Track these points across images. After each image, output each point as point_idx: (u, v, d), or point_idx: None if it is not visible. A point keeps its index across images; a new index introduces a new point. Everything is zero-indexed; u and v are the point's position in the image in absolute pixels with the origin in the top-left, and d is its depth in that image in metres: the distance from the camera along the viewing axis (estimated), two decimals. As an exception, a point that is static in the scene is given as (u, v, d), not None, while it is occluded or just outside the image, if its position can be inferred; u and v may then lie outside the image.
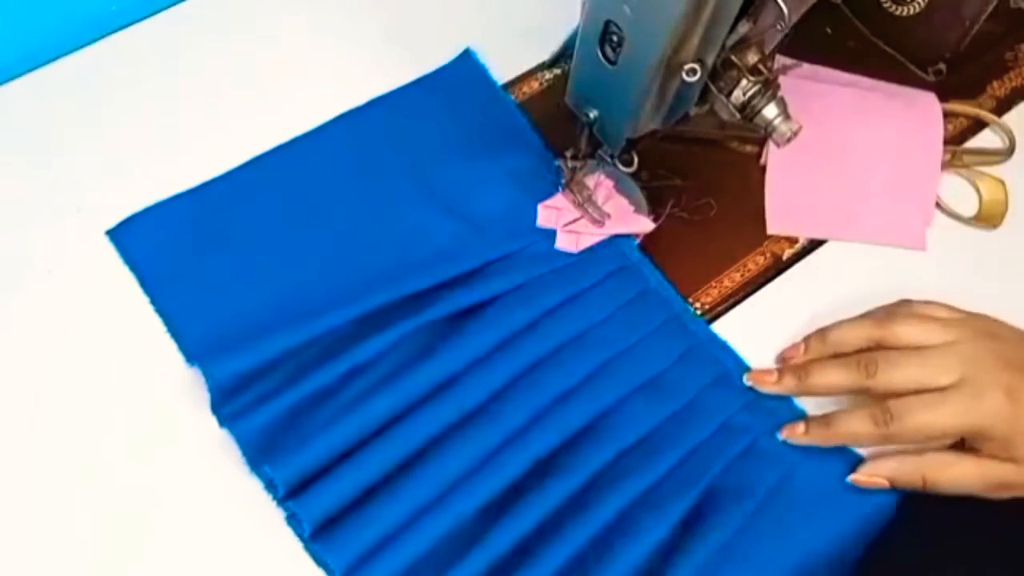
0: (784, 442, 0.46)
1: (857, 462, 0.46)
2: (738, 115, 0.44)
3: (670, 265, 0.51)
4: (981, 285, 0.52)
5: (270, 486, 0.44)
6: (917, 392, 0.43)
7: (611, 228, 0.50)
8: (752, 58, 0.43)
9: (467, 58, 0.56)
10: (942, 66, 0.58)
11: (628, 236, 0.51)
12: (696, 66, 0.41)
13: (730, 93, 0.43)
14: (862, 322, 0.47)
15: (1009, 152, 0.57)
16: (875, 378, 0.44)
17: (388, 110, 0.54)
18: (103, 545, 0.43)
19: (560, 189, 0.51)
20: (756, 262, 0.52)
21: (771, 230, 0.53)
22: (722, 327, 0.50)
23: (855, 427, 0.44)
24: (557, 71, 0.57)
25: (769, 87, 0.43)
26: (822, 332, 0.48)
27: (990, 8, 0.54)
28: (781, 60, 0.54)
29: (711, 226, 0.53)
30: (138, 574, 0.43)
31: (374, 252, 0.50)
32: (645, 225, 0.51)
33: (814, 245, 0.53)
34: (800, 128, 0.44)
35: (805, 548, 0.45)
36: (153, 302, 0.48)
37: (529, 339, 0.47)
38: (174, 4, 0.57)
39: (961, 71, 0.58)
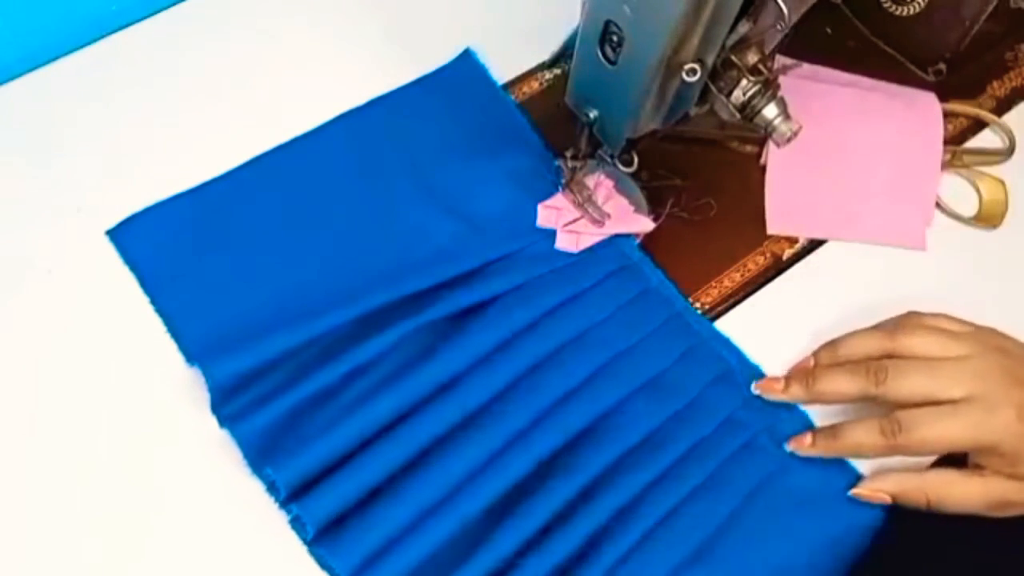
0: (784, 441, 0.46)
1: (846, 470, 0.46)
2: (738, 115, 0.44)
3: (670, 265, 0.51)
4: (981, 285, 0.52)
5: (272, 488, 0.44)
6: (926, 404, 0.43)
7: (611, 228, 0.50)
8: (752, 58, 0.43)
9: (467, 58, 0.56)
10: (942, 66, 0.58)
11: (628, 236, 0.51)
12: (696, 66, 0.41)
13: (730, 93, 0.43)
14: (872, 333, 0.47)
15: (1009, 152, 0.57)
16: (884, 386, 0.43)
17: (388, 110, 0.54)
18: (103, 546, 0.43)
19: (560, 189, 0.51)
20: (756, 262, 0.52)
21: (771, 230, 0.53)
22: (722, 327, 0.50)
23: (862, 438, 0.44)
24: (557, 71, 0.57)
25: (769, 87, 0.43)
26: (832, 344, 0.47)
27: (990, 8, 0.54)
28: (781, 60, 0.54)
29: (711, 226, 0.53)
30: (138, 574, 0.43)
31: (374, 252, 0.50)
32: (645, 225, 0.51)
33: (814, 245, 0.53)
34: (800, 128, 0.44)
35: (801, 545, 0.45)
36: (153, 302, 0.48)
37: (530, 339, 0.47)
38: (174, 4, 0.57)
39: (961, 71, 0.58)
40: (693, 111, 0.46)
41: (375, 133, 0.54)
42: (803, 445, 0.46)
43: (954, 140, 0.57)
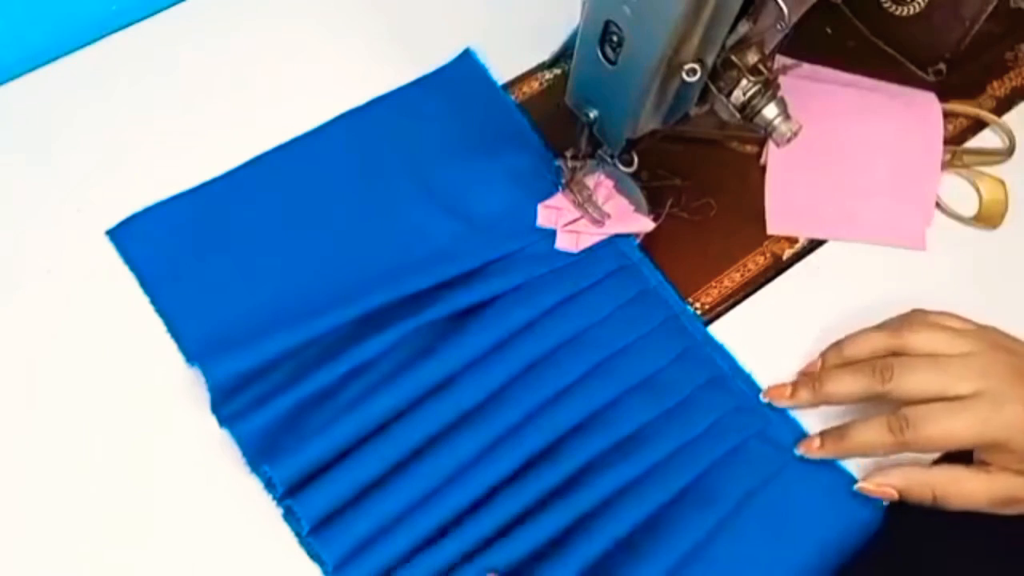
0: (775, 445, 0.46)
1: (840, 474, 0.46)
2: (738, 115, 0.44)
3: (670, 265, 0.51)
4: (981, 285, 0.52)
5: (269, 485, 0.44)
6: (933, 401, 0.43)
7: (611, 228, 0.50)
8: (752, 58, 0.43)
9: (467, 58, 0.56)
10: (942, 66, 0.58)
11: (628, 236, 0.51)
12: (696, 66, 0.41)
13: (730, 93, 0.43)
14: (877, 332, 0.47)
15: (1009, 152, 0.57)
16: (891, 383, 0.43)
17: (388, 110, 0.54)
18: (103, 544, 0.43)
19: (560, 189, 0.51)
20: (756, 262, 0.52)
21: (771, 230, 0.53)
22: (722, 327, 0.50)
23: (870, 436, 0.44)
24: (557, 71, 0.57)
25: (769, 87, 0.43)
26: (837, 345, 0.47)
27: (990, 8, 0.54)
28: (781, 60, 0.54)
29: (711, 226, 0.53)
30: (138, 572, 0.43)
31: (374, 252, 0.50)
32: (645, 225, 0.51)
33: (814, 245, 0.53)
34: (800, 128, 0.44)
35: (791, 551, 0.45)
36: (153, 302, 0.48)
37: (529, 339, 0.47)
38: (174, 4, 0.57)
39: (961, 71, 0.58)
40: (693, 111, 0.46)
41: (375, 133, 0.54)
42: (812, 448, 0.46)
43: (954, 140, 0.57)
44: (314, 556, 0.43)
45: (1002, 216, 0.55)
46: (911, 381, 0.43)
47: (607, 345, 0.48)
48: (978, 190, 0.56)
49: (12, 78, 0.54)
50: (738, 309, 0.51)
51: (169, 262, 0.49)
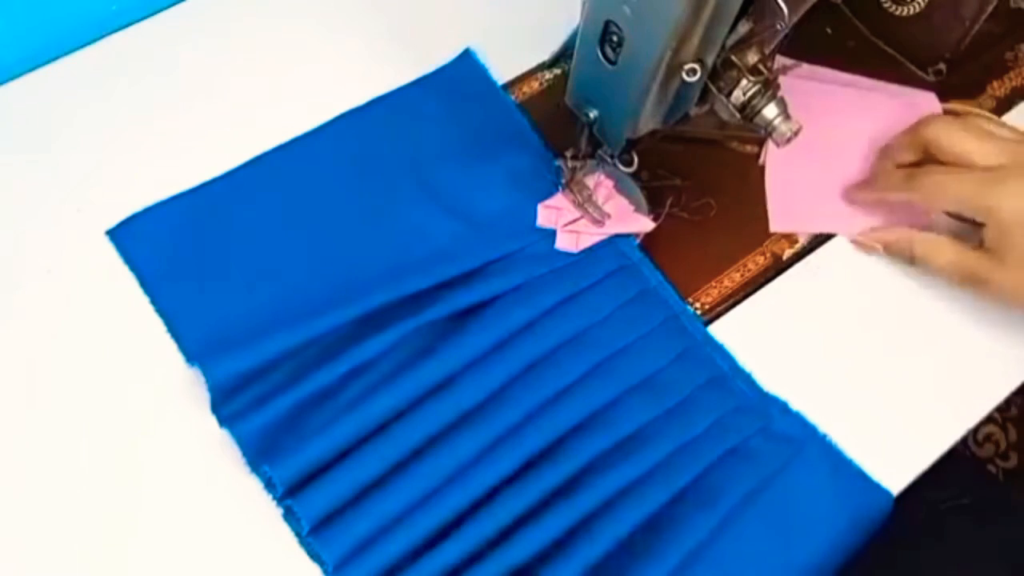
0: (778, 441, 0.46)
1: (846, 467, 0.46)
2: (738, 115, 0.44)
3: (670, 265, 0.51)
4: (981, 285, 0.52)
5: (269, 485, 0.44)
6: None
7: (611, 228, 0.50)
8: (752, 58, 0.43)
9: (467, 58, 0.56)
10: (942, 66, 0.58)
11: (628, 236, 0.51)
12: (696, 66, 0.41)
13: (730, 93, 0.43)
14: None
15: (1009, 152, 0.57)
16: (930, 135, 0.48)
17: (388, 110, 0.54)
18: (103, 544, 0.43)
19: (560, 189, 0.51)
20: (756, 262, 0.52)
21: (774, 228, 0.53)
22: (722, 327, 0.50)
23: (891, 181, 0.49)
24: (557, 71, 0.57)
25: (769, 87, 0.43)
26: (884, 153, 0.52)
27: (990, 8, 0.54)
28: (781, 60, 0.54)
29: (711, 226, 0.53)
30: (138, 572, 0.43)
31: (374, 252, 0.50)
32: (645, 225, 0.51)
33: (814, 245, 0.53)
34: (800, 128, 0.44)
35: (797, 548, 0.45)
36: (153, 302, 0.48)
37: (529, 339, 0.47)
38: (174, 4, 0.57)
39: (961, 71, 0.58)
40: (693, 111, 0.46)
41: (375, 133, 0.54)
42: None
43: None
44: (314, 556, 0.43)
45: (1002, 216, 0.55)
46: (953, 138, 0.48)
47: (607, 345, 0.48)
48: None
49: (12, 78, 0.54)
50: (738, 309, 0.51)
51: (169, 262, 0.49)
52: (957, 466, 0.47)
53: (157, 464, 0.45)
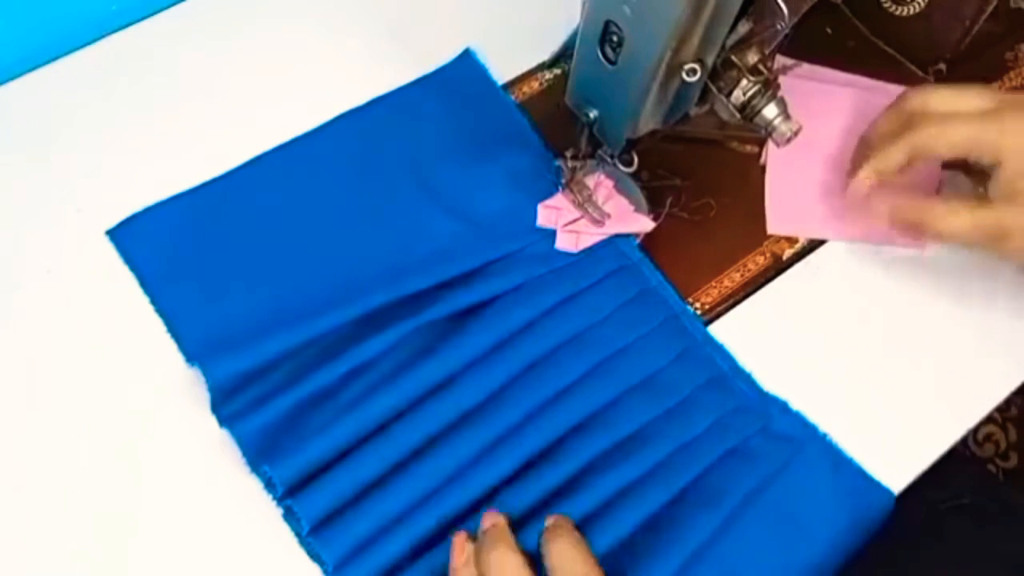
0: (778, 440, 0.46)
1: (846, 466, 0.46)
2: (738, 115, 0.44)
3: (670, 265, 0.51)
4: (980, 285, 0.52)
5: (269, 485, 0.44)
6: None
7: (611, 228, 0.50)
8: (752, 58, 0.43)
9: (467, 58, 0.56)
10: (942, 66, 0.58)
11: (628, 236, 0.51)
12: (696, 66, 0.41)
13: (730, 93, 0.43)
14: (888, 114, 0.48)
15: (1009, 152, 0.57)
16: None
17: (388, 110, 0.54)
18: (103, 544, 0.43)
19: (560, 189, 0.51)
20: (756, 262, 0.52)
21: (771, 230, 0.53)
22: (722, 327, 0.50)
23: (886, 147, 0.46)
24: (557, 71, 0.57)
25: (769, 87, 0.43)
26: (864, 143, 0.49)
27: (990, 8, 0.54)
28: (781, 60, 0.54)
29: (711, 226, 0.53)
30: (138, 572, 0.43)
31: (374, 252, 0.50)
32: (645, 225, 0.51)
33: (814, 245, 0.53)
34: (800, 128, 0.44)
35: (790, 551, 0.45)
36: (153, 302, 0.48)
37: (528, 339, 0.47)
38: (174, 4, 0.57)
39: (961, 71, 0.58)
40: (693, 111, 0.46)
41: (375, 133, 0.54)
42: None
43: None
44: (314, 556, 0.43)
45: (1002, 216, 0.55)
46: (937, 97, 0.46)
47: (607, 345, 0.48)
48: (978, 190, 0.56)
49: (12, 78, 0.54)
50: (738, 309, 0.51)
51: (169, 262, 0.49)
52: (957, 466, 0.47)
53: (157, 464, 0.45)
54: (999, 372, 0.50)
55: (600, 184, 0.51)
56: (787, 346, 0.50)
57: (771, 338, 0.50)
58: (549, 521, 0.41)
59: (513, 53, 0.56)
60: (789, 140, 0.44)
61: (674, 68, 0.41)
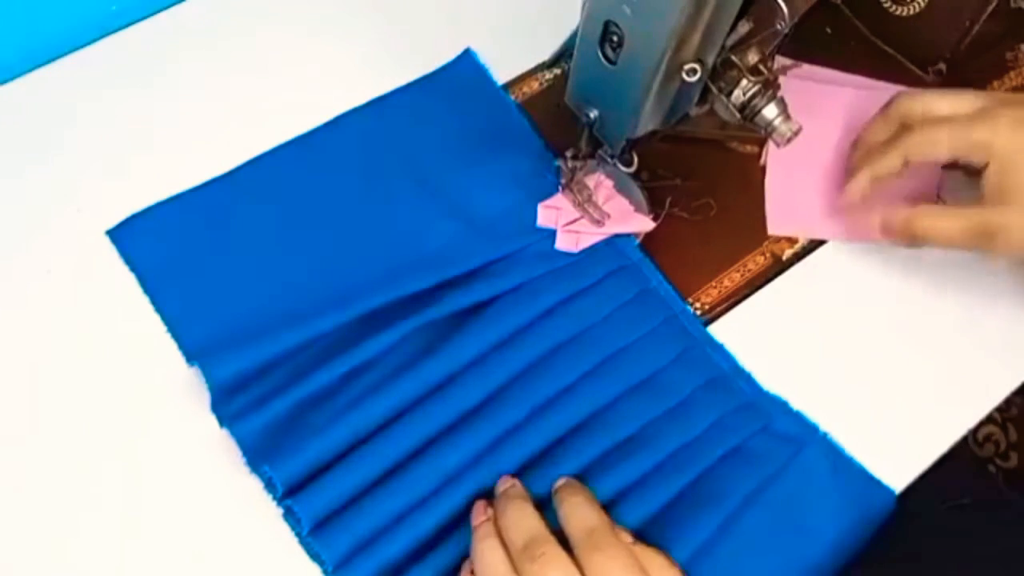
0: (779, 440, 0.46)
1: (847, 466, 0.46)
2: (738, 115, 0.44)
3: (670, 265, 0.51)
4: (980, 286, 0.52)
5: (269, 485, 0.44)
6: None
7: (611, 228, 0.50)
8: (752, 58, 0.43)
9: (467, 58, 0.56)
10: (942, 66, 0.58)
11: (628, 236, 0.51)
12: (696, 66, 0.41)
13: (730, 93, 0.43)
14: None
15: (1009, 152, 0.57)
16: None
17: (388, 110, 0.54)
18: (103, 544, 0.43)
19: (560, 189, 0.51)
20: (756, 262, 0.52)
21: (771, 231, 0.53)
22: (722, 327, 0.50)
23: (879, 155, 0.47)
24: (557, 71, 0.57)
25: (769, 87, 0.43)
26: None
27: (990, 8, 0.54)
28: (781, 60, 0.54)
29: (711, 226, 0.53)
30: (137, 572, 0.43)
31: (374, 252, 0.50)
32: (645, 225, 0.51)
33: (814, 245, 0.53)
34: (800, 128, 0.44)
35: (791, 551, 0.45)
36: (153, 302, 0.48)
37: (528, 339, 0.47)
38: (174, 4, 0.57)
39: (961, 71, 0.58)
40: (693, 111, 0.46)
41: (375, 133, 0.54)
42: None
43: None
44: (314, 556, 0.43)
45: (1002, 216, 0.55)
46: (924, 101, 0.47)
47: (607, 345, 0.48)
48: (978, 189, 0.56)
49: (12, 78, 0.54)
50: (738, 309, 0.51)
51: (169, 262, 0.49)
52: (957, 466, 0.47)
53: (157, 464, 0.45)
54: (999, 372, 0.50)
55: (600, 184, 0.51)
56: (787, 346, 0.50)
57: (771, 338, 0.50)
58: (559, 482, 0.42)
59: (513, 53, 0.56)
60: (789, 140, 0.44)
61: (674, 68, 0.41)
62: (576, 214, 0.51)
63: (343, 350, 0.45)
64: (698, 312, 0.50)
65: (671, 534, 0.43)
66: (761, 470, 0.46)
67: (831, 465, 0.46)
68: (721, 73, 0.43)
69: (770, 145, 0.54)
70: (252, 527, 0.44)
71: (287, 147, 0.53)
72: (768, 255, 0.52)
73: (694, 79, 0.41)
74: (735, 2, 0.38)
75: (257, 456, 0.44)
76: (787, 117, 0.44)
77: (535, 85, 0.57)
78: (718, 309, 0.51)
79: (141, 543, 0.43)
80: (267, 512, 0.44)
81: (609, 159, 0.49)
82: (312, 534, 0.42)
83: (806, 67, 0.56)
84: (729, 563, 0.44)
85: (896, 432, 0.48)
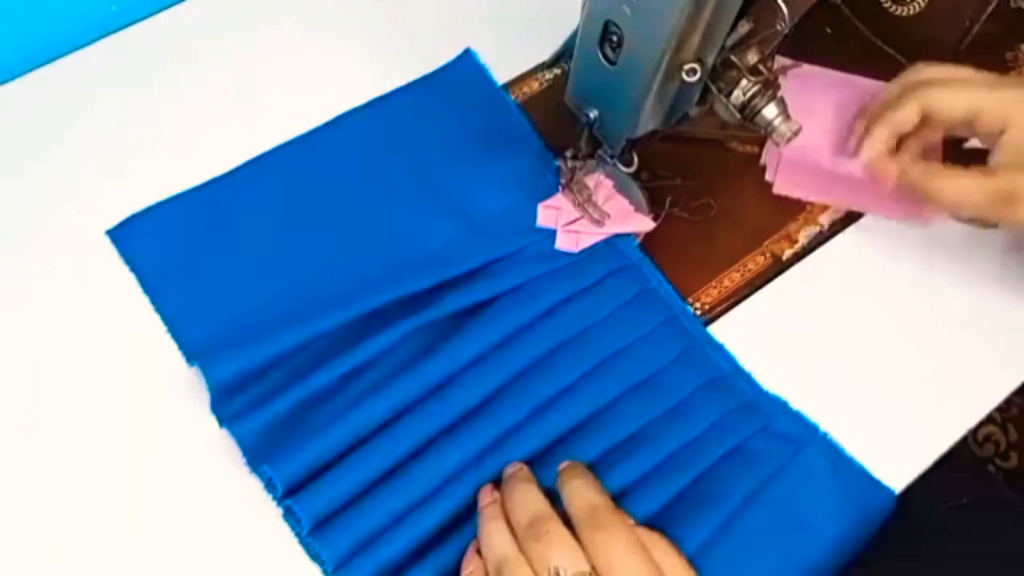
0: (779, 439, 0.46)
1: (847, 466, 0.46)
2: (738, 115, 0.44)
3: (670, 265, 0.51)
4: (980, 285, 0.52)
5: (269, 485, 0.44)
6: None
7: (611, 228, 0.50)
8: (752, 58, 0.43)
9: (467, 58, 0.56)
10: (942, 66, 0.58)
11: (628, 236, 0.51)
12: (696, 66, 0.41)
13: (730, 93, 0.43)
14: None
15: (1009, 152, 0.57)
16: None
17: (388, 110, 0.54)
18: (103, 544, 0.43)
19: (560, 189, 0.51)
20: (756, 262, 0.52)
21: (777, 190, 0.53)
22: (722, 327, 0.50)
23: (887, 93, 0.47)
24: (557, 71, 0.57)
25: (769, 87, 0.43)
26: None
27: (990, 8, 0.54)
28: (781, 60, 0.54)
29: (711, 226, 0.53)
30: (137, 572, 0.43)
31: (374, 252, 0.50)
32: (645, 224, 0.51)
33: (814, 245, 0.53)
34: (800, 128, 0.44)
35: (791, 551, 0.45)
36: (153, 302, 0.48)
37: (529, 339, 0.47)
38: (174, 4, 0.57)
39: (961, 71, 0.58)
40: (693, 111, 0.46)
41: (375, 133, 0.54)
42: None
43: (954, 140, 0.57)
44: (314, 556, 0.43)
45: (1002, 216, 0.55)
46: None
47: (607, 345, 0.48)
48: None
49: (12, 78, 0.54)
50: (738, 309, 0.51)
51: (169, 262, 0.49)
52: (957, 466, 0.47)
53: (157, 464, 0.45)
54: (999, 372, 0.50)
55: (600, 184, 0.51)
56: (787, 346, 0.50)
57: (771, 338, 0.50)
58: (563, 465, 0.43)
59: (513, 53, 0.56)
60: (789, 140, 0.44)
61: (674, 68, 0.41)
62: (576, 214, 0.51)
63: (343, 350, 0.45)
64: (698, 312, 0.50)
65: (671, 533, 0.43)
66: (761, 470, 0.46)
67: (831, 465, 0.46)
68: (721, 73, 0.43)
69: (770, 145, 0.54)
70: (252, 527, 0.44)
71: (287, 147, 0.53)
72: (768, 255, 0.52)
73: (694, 79, 0.41)
74: (735, 2, 0.38)
75: (257, 456, 0.44)
76: (787, 117, 0.44)
77: (535, 85, 0.57)
78: (718, 309, 0.51)
79: (141, 543, 0.43)
80: (267, 512, 0.44)
81: (609, 159, 0.49)
82: (312, 534, 0.42)
83: (806, 67, 0.56)
84: (729, 563, 0.44)
85: (896, 432, 0.48)
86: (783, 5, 0.39)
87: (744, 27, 0.41)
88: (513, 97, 0.56)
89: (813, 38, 0.58)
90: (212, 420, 0.44)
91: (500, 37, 0.57)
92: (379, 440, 0.43)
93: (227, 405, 0.45)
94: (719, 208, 0.53)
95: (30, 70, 0.54)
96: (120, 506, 0.44)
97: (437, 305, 0.47)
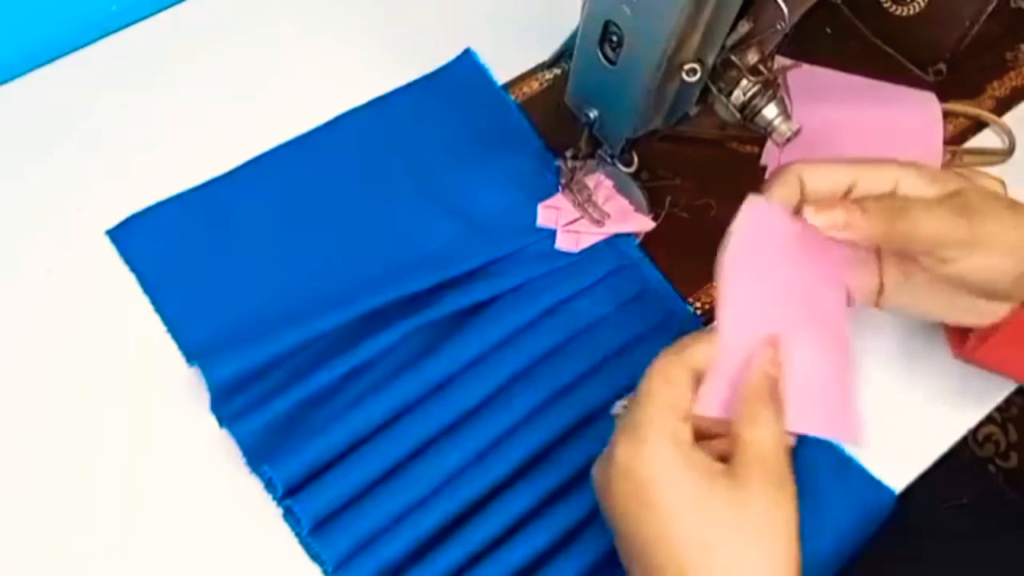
0: None
1: (848, 465, 0.46)
2: (738, 115, 0.44)
3: (670, 265, 0.51)
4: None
5: (269, 485, 0.44)
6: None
7: (611, 228, 0.50)
8: (752, 58, 0.43)
9: (467, 58, 0.56)
10: (942, 66, 0.58)
11: (628, 236, 0.51)
12: (696, 66, 0.41)
13: (730, 93, 0.43)
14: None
15: (1009, 152, 0.57)
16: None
17: (388, 110, 0.54)
18: (103, 544, 0.43)
19: (560, 189, 0.51)
20: (756, 262, 0.52)
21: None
22: (722, 327, 0.50)
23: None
24: (557, 71, 0.57)
25: (769, 87, 0.43)
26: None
27: (990, 8, 0.54)
28: (781, 60, 0.54)
29: (711, 226, 0.53)
30: (137, 572, 0.43)
31: (374, 252, 0.50)
32: (645, 224, 0.51)
33: (814, 245, 0.53)
34: (800, 128, 0.44)
35: (803, 543, 0.45)
36: (153, 302, 0.48)
37: (529, 338, 0.47)
38: (174, 4, 0.57)
39: (961, 71, 0.58)
40: (693, 111, 0.46)
41: (375, 133, 0.54)
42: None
43: (954, 140, 0.57)
44: (314, 556, 0.43)
45: (1002, 216, 0.55)
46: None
47: (607, 345, 0.48)
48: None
49: (12, 78, 0.54)
50: (738, 309, 0.51)
51: (169, 262, 0.49)
52: (957, 466, 0.47)
53: (157, 464, 0.45)
54: (999, 372, 0.50)
55: (600, 184, 0.51)
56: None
57: (771, 338, 0.50)
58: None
59: (513, 53, 0.56)
60: (789, 140, 0.44)
61: (674, 68, 0.41)
62: (576, 214, 0.51)
63: (343, 350, 0.45)
64: (698, 312, 0.50)
65: None
66: None
67: (831, 465, 0.46)
68: (721, 73, 0.43)
69: (770, 145, 0.54)
70: (252, 527, 0.44)
71: (287, 147, 0.53)
72: (768, 255, 0.52)
73: (694, 79, 0.41)
74: (735, 2, 0.38)
75: (257, 456, 0.44)
76: (787, 117, 0.44)
77: (535, 85, 0.57)
78: (718, 309, 0.51)
79: (141, 543, 0.43)
80: (267, 512, 0.44)
81: (609, 159, 0.49)
82: (312, 534, 0.42)
83: (806, 67, 0.56)
84: None
85: (896, 432, 0.48)
86: (783, 5, 0.39)
87: (744, 27, 0.41)
88: (513, 97, 0.56)
89: (813, 38, 0.58)
90: (212, 420, 0.44)
91: (500, 37, 0.57)
92: (379, 440, 0.44)
93: (227, 405, 0.45)
94: (719, 208, 0.53)
95: (30, 70, 0.54)
96: (120, 506, 0.44)
97: (437, 305, 0.47)
